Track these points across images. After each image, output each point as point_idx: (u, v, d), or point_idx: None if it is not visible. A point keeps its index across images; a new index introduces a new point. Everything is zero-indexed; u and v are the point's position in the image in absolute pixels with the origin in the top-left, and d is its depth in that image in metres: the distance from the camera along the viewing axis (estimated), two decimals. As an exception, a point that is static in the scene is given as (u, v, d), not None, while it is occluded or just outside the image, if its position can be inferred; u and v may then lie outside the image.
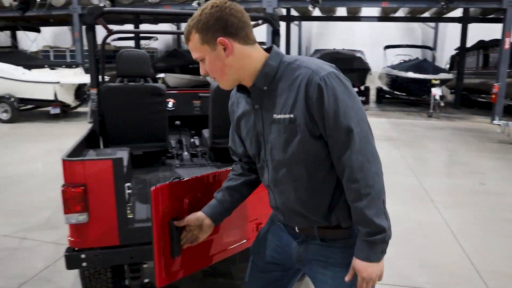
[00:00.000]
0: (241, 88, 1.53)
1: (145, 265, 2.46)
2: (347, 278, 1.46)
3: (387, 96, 15.09)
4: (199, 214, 1.69)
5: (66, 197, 2.16)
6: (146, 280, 2.43)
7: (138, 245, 2.31)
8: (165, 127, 3.45)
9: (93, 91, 3.24)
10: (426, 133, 9.54)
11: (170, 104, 4.38)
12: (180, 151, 3.84)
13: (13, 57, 11.20)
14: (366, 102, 14.70)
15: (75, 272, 3.22)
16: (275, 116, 1.43)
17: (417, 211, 4.72)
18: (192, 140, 4.14)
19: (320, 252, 1.54)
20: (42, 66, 11.02)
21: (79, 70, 11.56)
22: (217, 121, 3.47)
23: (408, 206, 4.88)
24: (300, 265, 1.64)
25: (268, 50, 1.50)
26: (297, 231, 1.59)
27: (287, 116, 1.40)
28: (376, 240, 1.38)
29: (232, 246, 2.15)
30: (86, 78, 11.08)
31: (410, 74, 12.85)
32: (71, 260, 2.27)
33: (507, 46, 10.82)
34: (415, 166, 6.66)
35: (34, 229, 4.17)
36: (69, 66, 11.68)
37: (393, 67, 14.28)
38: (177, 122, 3.97)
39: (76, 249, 2.28)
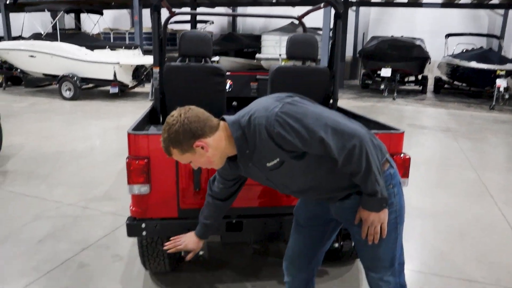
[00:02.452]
0: (229, 158, 1.77)
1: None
2: (355, 221, 1.81)
3: (446, 86, 14.41)
4: (194, 240, 2.15)
5: (130, 168, 2.25)
6: (201, 252, 2.50)
7: (196, 219, 2.38)
8: (223, 107, 3.51)
9: (156, 69, 3.33)
10: (487, 126, 9.07)
11: (228, 86, 4.43)
12: None
13: (77, 39, 11.71)
14: (423, 91, 14.14)
15: (132, 241, 3.39)
16: (268, 164, 1.69)
17: (475, 206, 4.53)
18: None
19: (354, 203, 1.80)
20: (103, 47, 11.45)
21: (137, 52, 11.90)
22: None
23: (466, 200, 4.69)
24: (337, 217, 1.93)
25: (224, 119, 1.72)
26: None
27: (275, 161, 1.67)
28: (372, 198, 1.70)
29: (260, 200, 2.42)
30: (143, 60, 11.41)
31: (473, 64, 12.20)
32: (132, 229, 2.38)
33: None
34: (474, 159, 6.37)
35: (94, 199, 4.40)
36: (128, 47, 12.05)
37: (455, 56, 13.56)
38: (234, 103, 4.02)
39: (137, 218, 2.38)
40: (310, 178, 1.75)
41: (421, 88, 14.24)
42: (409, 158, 2.41)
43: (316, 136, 1.57)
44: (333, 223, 2.04)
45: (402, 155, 2.41)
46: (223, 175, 1.99)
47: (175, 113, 1.67)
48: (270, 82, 3.41)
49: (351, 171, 1.66)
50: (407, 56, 12.75)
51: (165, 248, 2.19)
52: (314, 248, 2.08)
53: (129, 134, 2.28)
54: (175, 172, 2.30)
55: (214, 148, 1.67)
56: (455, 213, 4.32)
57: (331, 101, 3.62)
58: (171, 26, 17.56)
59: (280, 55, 12.80)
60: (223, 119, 1.73)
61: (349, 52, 17.89)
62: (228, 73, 4.31)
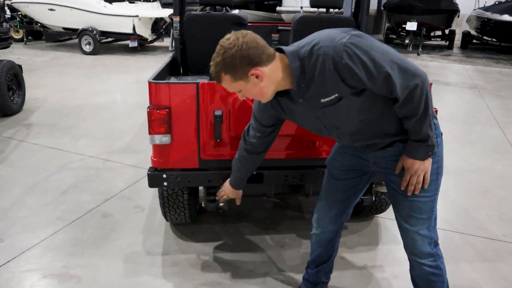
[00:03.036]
0: (277, 93, 1.68)
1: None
2: (396, 171, 1.76)
3: (474, 41, 13.83)
4: (231, 189, 2.23)
5: (151, 118, 2.24)
6: (221, 204, 2.52)
7: (216, 170, 2.38)
8: None
9: (176, 18, 3.25)
10: (516, 83, 8.75)
11: None
12: None
13: (94, -10, 11.54)
14: (449, 47, 13.59)
15: (152, 192, 3.44)
16: (322, 100, 1.60)
17: (499, 164, 4.43)
18: None
19: (398, 151, 1.75)
20: (122, 0, 11.26)
21: (156, 5, 11.70)
22: None
23: (490, 158, 4.59)
24: (376, 167, 1.87)
25: (279, 50, 1.62)
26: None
27: (332, 97, 1.57)
28: (420, 145, 1.66)
29: (281, 152, 2.42)
30: (163, 12, 11.22)
31: (506, 17, 11.61)
32: (153, 179, 2.39)
33: None
34: (501, 117, 6.18)
35: (116, 152, 4.45)
36: (147, 0, 11.83)
37: (486, 8, 12.91)
38: None
39: (158, 169, 2.39)
40: (361, 118, 1.66)
41: (447, 43, 13.67)
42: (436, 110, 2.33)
43: (382, 71, 1.48)
44: (367, 176, 1.99)
45: None
46: (261, 120, 1.88)
47: (231, 36, 1.55)
48: (293, 32, 3.30)
49: (406, 113, 1.59)
50: (434, 8, 12.16)
51: (219, 200, 2.33)
52: (346, 200, 2.03)
53: (149, 83, 2.25)
54: (196, 122, 2.28)
55: (269, 79, 1.57)
56: (479, 170, 4.24)
57: None
58: (190, -22, 17.13)
59: (301, 7, 12.41)
60: (280, 50, 1.62)
61: (373, 6, 17.22)
62: (249, 24, 4.19)
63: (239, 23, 3.27)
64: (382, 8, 15.94)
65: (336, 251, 2.25)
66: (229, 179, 2.22)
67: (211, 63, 1.57)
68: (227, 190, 2.25)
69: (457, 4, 12.86)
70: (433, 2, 12.32)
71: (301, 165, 2.45)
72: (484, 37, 13.33)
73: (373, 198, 2.72)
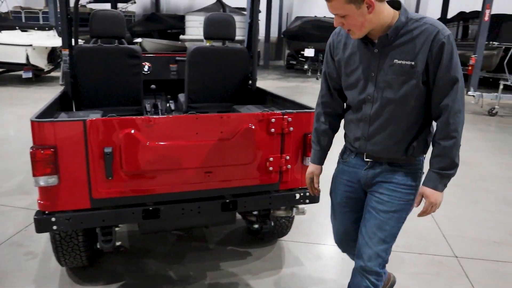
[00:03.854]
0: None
1: (117, 228, 2.44)
2: (416, 205, 1.84)
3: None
4: (318, 169, 2.12)
5: (34, 159, 2.10)
6: (118, 243, 2.42)
7: (110, 208, 2.29)
8: (139, 91, 3.38)
9: (65, 51, 3.13)
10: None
11: (146, 68, 4.27)
12: (155, 115, 3.78)
13: (-18, 18, 10.72)
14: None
15: (47, 237, 3.20)
16: (395, 61, 1.70)
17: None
18: (168, 104, 4.07)
19: (386, 173, 1.88)
20: (13, 28, 10.56)
21: (53, 33, 11.15)
22: (193, 85, 3.41)
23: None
24: (366, 188, 1.96)
25: (390, 4, 1.70)
26: (366, 159, 1.91)
27: (408, 62, 1.68)
28: (447, 174, 1.77)
29: (176, 185, 2.36)
30: (60, 41, 10.68)
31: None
32: (41, 223, 2.24)
33: (486, 18, 10.85)
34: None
35: (6, 194, 4.09)
36: (42, 28, 11.24)
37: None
38: (153, 86, 3.89)
39: (46, 212, 2.24)
40: (402, 94, 1.72)
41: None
42: None
43: (455, 74, 1.67)
44: (363, 201, 2.02)
45: None
46: (332, 76, 1.96)
47: None
48: (188, 64, 3.34)
49: (447, 131, 1.71)
50: (329, 36, 13.03)
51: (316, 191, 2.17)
52: (356, 225, 2.06)
53: (32, 122, 2.12)
54: (85, 161, 2.18)
55: (376, 15, 1.63)
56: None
57: (250, 82, 3.62)
58: (90, 6, 16.63)
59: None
60: (395, 3, 1.72)
61: (274, 33, 18.06)
62: (147, 55, 4.15)
63: (132, 56, 3.23)
64: (282, 35, 16.75)
65: None
66: (309, 165, 2.15)
67: None
68: (315, 172, 2.12)
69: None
70: (327, 30, 13.22)
71: (198, 197, 2.44)
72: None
73: (272, 224, 2.79)
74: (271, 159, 2.47)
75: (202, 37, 3.41)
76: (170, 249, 3.20)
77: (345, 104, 2.02)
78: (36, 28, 11.08)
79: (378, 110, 1.79)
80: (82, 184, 2.21)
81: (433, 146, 1.78)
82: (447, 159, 1.73)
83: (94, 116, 2.86)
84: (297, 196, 2.61)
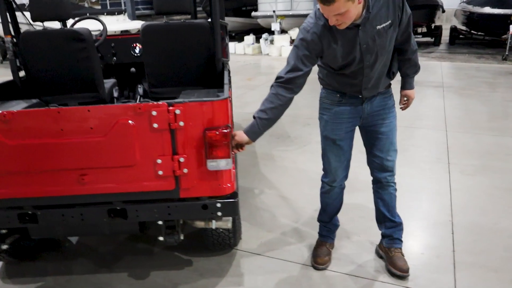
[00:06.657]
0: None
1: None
2: (403, 106, 2.61)
3: (461, 36, 13.10)
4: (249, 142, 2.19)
5: None
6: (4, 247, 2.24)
7: None
8: (95, 76, 3.12)
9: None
10: (489, 79, 8.19)
11: (137, 50, 4.03)
12: (125, 100, 3.53)
13: None
14: (436, 43, 12.86)
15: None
16: (378, 27, 2.06)
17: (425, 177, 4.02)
18: (138, 89, 3.78)
19: (380, 102, 2.37)
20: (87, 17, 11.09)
21: (122, 17, 11.51)
22: (151, 68, 3.13)
23: (419, 170, 4.16)
24: (364, 121, 2.41)
25: None
26: (360, 96, 2.31)
27: (387, 23, 2.07)
28: (416, 74, 2.51)
29: (51, 189, 2.09)
30: (130, 25, 10.99)
31: (487, 9, 11.04)
32: None
33: None
34: (452, 118, 5.72)
35: None
36: (111, 13, 11.64)
37: (469, 1, 12.31)
38: (132, 69, 3.63)
39: None
40: (388, 50, 2.20)
41: (432, 39, 13.04)
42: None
43: (410, 14, 2.17)
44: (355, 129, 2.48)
45: None
46: (308, 59, 2.12)
47: None
48: (142, 45, 3.01)
49: (412, 47, 2.32)
50: (411, 5, 11.62)
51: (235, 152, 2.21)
52: (350, 153, 2.52)
53: None
54: None
55: (360, 5, 1.96)
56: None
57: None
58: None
59: (274, 11, 12.09)
60: None
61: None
62: (108, 38, 3.88)
63: (78, 39, 2.96)
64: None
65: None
66: (243, 130, 2.17)
67: None
68: (242, 138, 2.17)
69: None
70: (409, -2, 11.81)
71: (81, 202, 2.12)
72: (472, 31, 12.69)
73: (181, 237, 2.36)
74: (159, 161, 2.04)
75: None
76: (112, 249, 2.94)
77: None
78: (105, 14, 11.51)
79: (376, 68, 2.19)
80: None
81: (404, 62, 2.39)
82: (417, 66, 2.45)
83: (20, 106, 2.68)
84: (208, 206, 2.16)
